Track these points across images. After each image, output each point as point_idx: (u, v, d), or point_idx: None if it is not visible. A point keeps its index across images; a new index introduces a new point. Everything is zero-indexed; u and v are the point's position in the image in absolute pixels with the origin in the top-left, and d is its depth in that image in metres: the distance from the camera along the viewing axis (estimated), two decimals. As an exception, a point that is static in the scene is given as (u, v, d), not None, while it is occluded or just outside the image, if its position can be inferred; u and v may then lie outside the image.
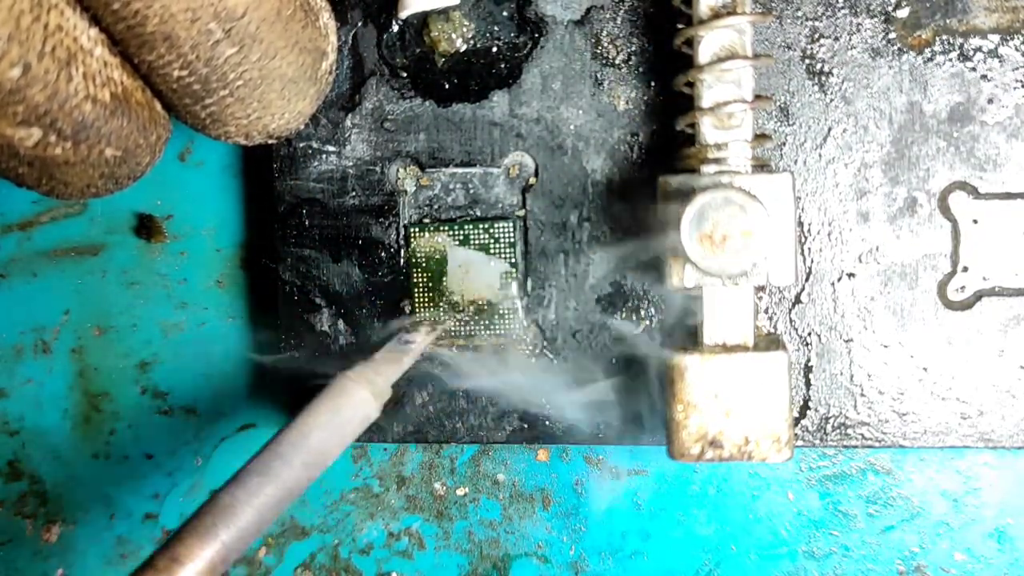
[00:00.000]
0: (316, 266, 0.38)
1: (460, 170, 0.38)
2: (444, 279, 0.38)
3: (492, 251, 0.37)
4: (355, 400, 0.33)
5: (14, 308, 0.43)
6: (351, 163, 0.38)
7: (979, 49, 0.35)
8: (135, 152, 0.29)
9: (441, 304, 0.38)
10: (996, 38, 0.35)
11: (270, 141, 0.32)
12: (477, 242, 0.37)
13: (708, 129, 0.33)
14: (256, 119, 0.30)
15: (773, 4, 0.36)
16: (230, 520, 0.29)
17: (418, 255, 0.38)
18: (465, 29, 0.37)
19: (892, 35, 0.36)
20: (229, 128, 0.30)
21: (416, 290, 0.38)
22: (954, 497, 0.40)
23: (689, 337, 0.35)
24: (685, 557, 0.41)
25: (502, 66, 0.37)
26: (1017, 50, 0.35)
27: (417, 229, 0.38)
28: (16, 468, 0.44)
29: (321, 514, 0.43)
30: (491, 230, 0.37)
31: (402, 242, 0.38)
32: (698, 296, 0.34)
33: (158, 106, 0.29)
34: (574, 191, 0.37)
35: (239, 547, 0.29)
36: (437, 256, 0.38)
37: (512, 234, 0.37)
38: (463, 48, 0.37)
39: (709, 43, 0.33)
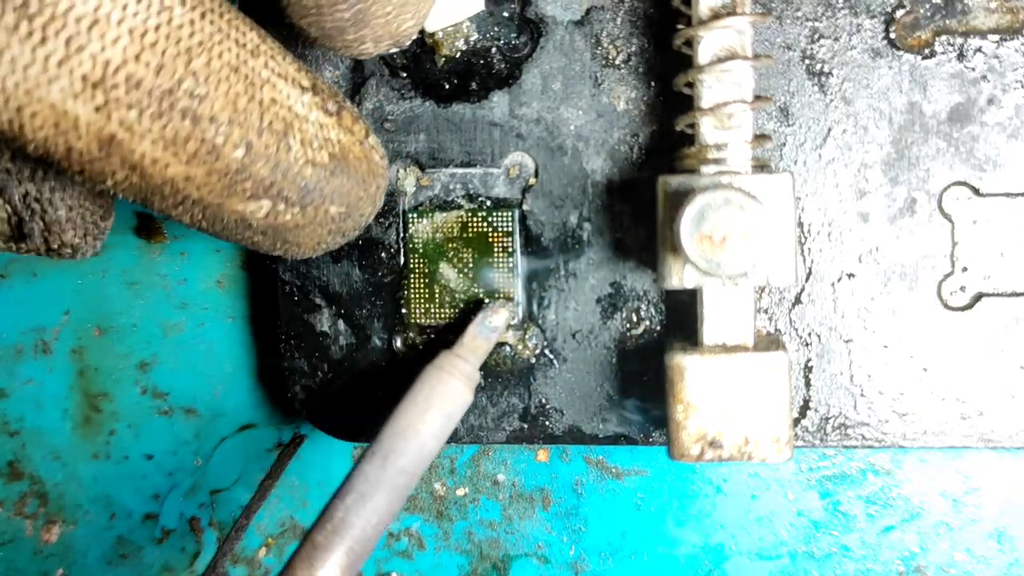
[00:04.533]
0: (316, 266, 0.38)
1: (460, 170, 0.38)
2: (441, 265, 0.38)
3: (491, 239, 0.37)
4: (461, 399, 0.33)
5: (14, 308, 0.43)
6: (351, 163, 0.38)
7: (979, 50, 0.35)
8: (358, 205, 0.29)
9: (436, 291, 0.38)
10: (996, 38, 0.35)
11: (392, 50, 0.32)
12: (476, 230, 0.37)
13: (708, 129, 0.33)
14: (393, 18, 0.30)
15: (773, 4, 0.36)
16: (360, 537, 0.30)
17: (415, 240, 0.38)
18: (467, 31, 0.37)
19: (892, 35, 0.36)
20: (365, 31, 0.30)
21: (412, 276, 0.38)
22: (954, 497, 0.40)
23: (689, 337, 0.35)
24: (685, 557, 0.41)
25: (502, 66, 0.37)
26: (1017, 51, 0.35)
27: (415, 215, 0.38)
28: (16, 468, 0.44)
29: (321, 514, 0.43)
30: (489, 218, 0.37)
31: (402, 241, 0.38)
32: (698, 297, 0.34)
33: (376, 156, 0.30)
34: (574, 191, 0.37)
35: (365, 558, 0.30)
36: (434, 242, 0.38)
37: (511, 223, 0.37)
38: (464, 49, 0.37)
39: (709, 43, 0.33)
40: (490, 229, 0.37)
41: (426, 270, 0.38)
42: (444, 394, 0.33)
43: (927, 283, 0.36)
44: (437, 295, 0.38)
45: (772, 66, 0.36)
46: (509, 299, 0.37)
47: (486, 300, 0.37)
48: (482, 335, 0.36)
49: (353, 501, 0.30)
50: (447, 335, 0.37)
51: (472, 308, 0.37)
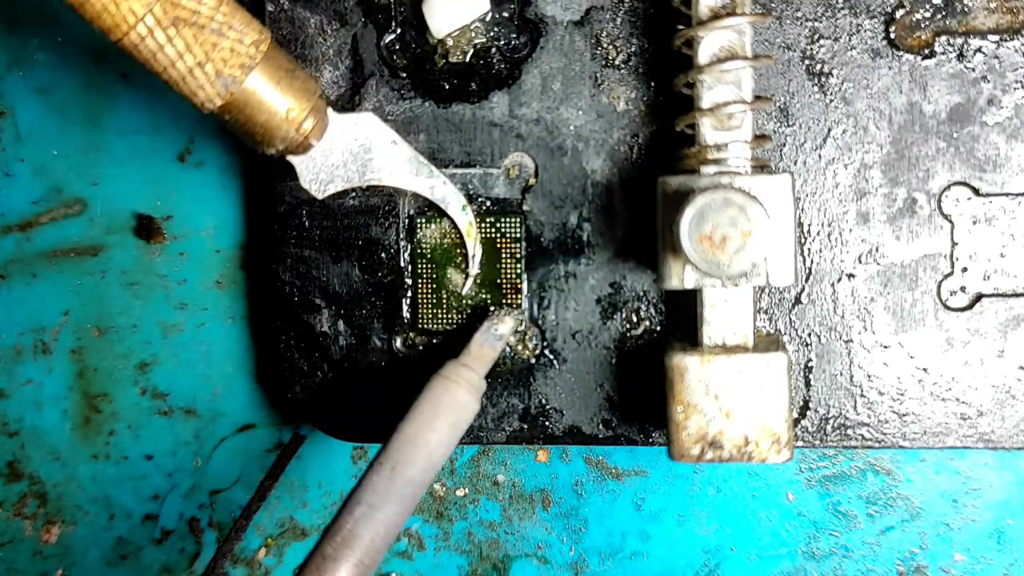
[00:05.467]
0: (316, 267, 0.38)
1: (460, 171, 0.38)
2: (448, 270, 0.38)
3: (498, 245, 0.37)
4: (469, 409, 0.34)
5: (14, 309, 0.43)
6: (351, 164, 0.38)
7: (979, 50, 0.35)
8: None
9: (444, 296, 0.38)
10: (996, 38, 0.35)
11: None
12: (484, 236, 0.37)
13: (708, 130, 0.33)
14: None
15: (773, 5, 0.36)
16: (369, 550, 0.30)
17: (423, 245, 0.38)
18: (475, 33, 0.37)
19: (892, 36, 0.36)
20: None
21: (419, 282, 0.38)
22: (954, 498, 0.40)
23: (689, 338, 0.35)
24: (685, 557, 0.41)
25: (502, 66, 0.37)
26: (1017, 51, 0.35)
27: (423, 220, 0.38)
28: (16, 469, 0.44)
29: (321, 514, 0.43)
30: (497, 224, 0.37)
31: (403, 240, 0.38)
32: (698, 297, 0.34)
33: None
34: (574, 192, 0.37)
35: (372, 568, 0.30)
36: (442, 248, 0.38)
37: (518, 229, 0.37)
38: (471, 51, 0.37)
39: (709, 44, 0.33)
40: (498, 235, 0.37)
41: (433, 275, 0.38)
42: (451, 404, 0.33)
43: (927, 283, 0.36)
44: (444, 300, 0.38)
45: (772, 66, 0.36)
46: (515, 307, 0.37)
47: (492, 308, 0.37)
48: (488, 343, 0.36)
49: (362, 513, 0.30)
50: (453, 341, 0.37)
51: (478, 316, 0.37)
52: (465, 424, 0.33)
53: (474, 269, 0.37)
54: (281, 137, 0.34)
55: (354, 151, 0.37)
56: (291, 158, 0.36)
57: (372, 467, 0.31)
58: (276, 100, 0.33)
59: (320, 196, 0.37)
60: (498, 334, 0.36)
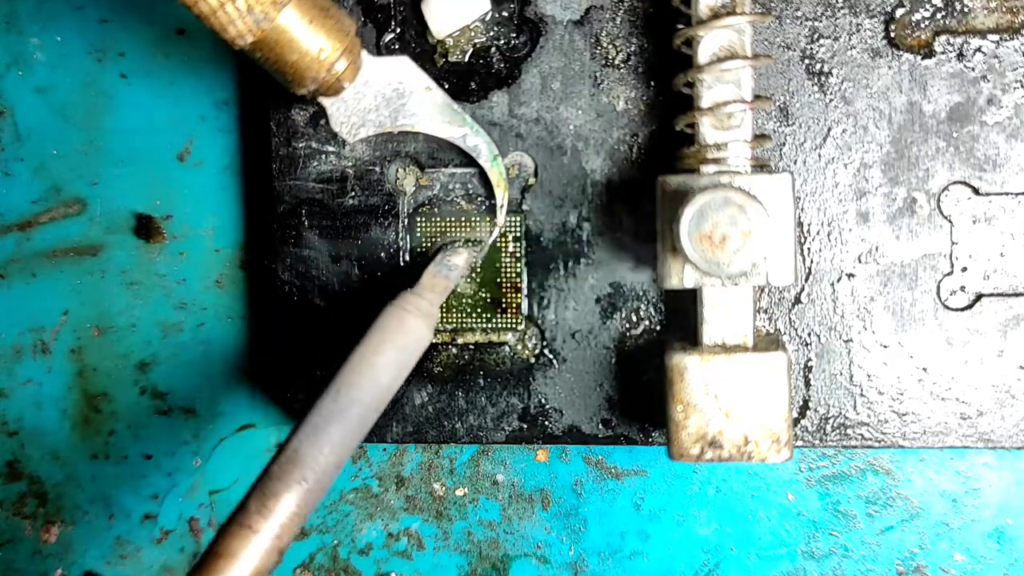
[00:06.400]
0: (315, 266, 0.38)
1: (459, 170, 0.38)
2: None
3: (498, 245, 0.37)
4: (416, 334, 0.33)
5: (13, 308, 0.43)
6: (350, 163, 0.38)
7: (979, 49, 0.35)
8: None
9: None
10: (996, 38, 0.35)
11: None
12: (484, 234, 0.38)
13: (707, 129, 0.33)
14: None
15: (773, 4, 0.36)
16: (313, 467, 0.30)
17: (424, 245, 0.38)
18: (475, 33, 0.37)
19: (892, 35, 0.36)
20: None
21: None
22: (954, 497, 0.40)
23: (689, 337, 0.35)
24: (685, 557, 0.41)
25: (501, 66, 0.37)
26: (1017, 50, 0.35)
27: (423, 219, 0.38)
28: (15, 468, 0.44)
29: (320, 514, 0.43)
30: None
31: (403, 240, 0.38)
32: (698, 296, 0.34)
33: None
34: (573, 191, 0.37)
35: (321, 493, 0.30)
36: (441, 245, 0.38)
37: (518, 229, 0.37)
38: (471, 51, 0.37)
39: (708, 43, 0.33)
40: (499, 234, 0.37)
41: None
42: (398, 328, 0.33)
43: (926, 283, 0.36)
44: (445, 300, 0.38)
45: (772, 66, 0.36)
46: (514, 306, 0.37)
47: (447, 245, 0.37)
48: (441, 273, 0.36)
49: (307, 434, 0.30)
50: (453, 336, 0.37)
51: (484, 308, 0.37)
52: (416, 348, 0.33)
53: (501, 219, 0.37)
54: (312, 77, 0.33)
55: (387, 95, 0.36)
56: (322, 99, 0.35)
57: (321, 393, 0.32)
58: (308, 39, 0.32)
59: (351, 140, 0.36)
60: (451, 264, 0.36)
